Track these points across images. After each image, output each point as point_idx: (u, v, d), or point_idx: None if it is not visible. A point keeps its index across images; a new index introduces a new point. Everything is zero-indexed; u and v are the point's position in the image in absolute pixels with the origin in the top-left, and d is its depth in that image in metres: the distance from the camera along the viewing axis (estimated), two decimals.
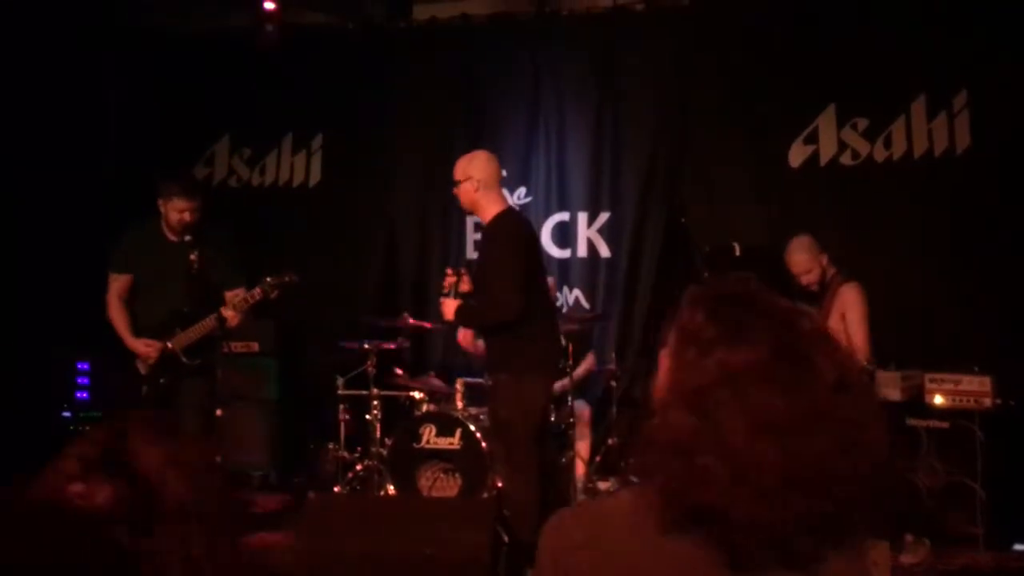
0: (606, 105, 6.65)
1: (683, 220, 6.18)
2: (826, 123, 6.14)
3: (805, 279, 5.29)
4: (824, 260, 5.29)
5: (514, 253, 4.40)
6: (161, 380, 4.87)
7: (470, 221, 6.89)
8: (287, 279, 4.78)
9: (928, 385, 5.26)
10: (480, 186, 4.50)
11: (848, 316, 5.14)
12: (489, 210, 4.54)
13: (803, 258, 5.31)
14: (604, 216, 6.67)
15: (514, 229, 4.52)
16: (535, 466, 4.47)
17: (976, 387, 5.14)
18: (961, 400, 5.17)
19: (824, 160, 6.15)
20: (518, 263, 4.38)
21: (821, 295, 5.25)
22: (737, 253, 5.85)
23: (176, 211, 4.83)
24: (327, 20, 7.11)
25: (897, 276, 5.89)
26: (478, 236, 6.85)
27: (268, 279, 4.76)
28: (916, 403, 5.28)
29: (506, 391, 4.45)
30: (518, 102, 6.87)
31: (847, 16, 6.06)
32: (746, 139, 6.32)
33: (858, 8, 6.07)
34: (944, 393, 5.20)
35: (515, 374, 4.43)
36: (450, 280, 4.62)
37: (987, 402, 5.09)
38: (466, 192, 4.54)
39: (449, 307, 4.56)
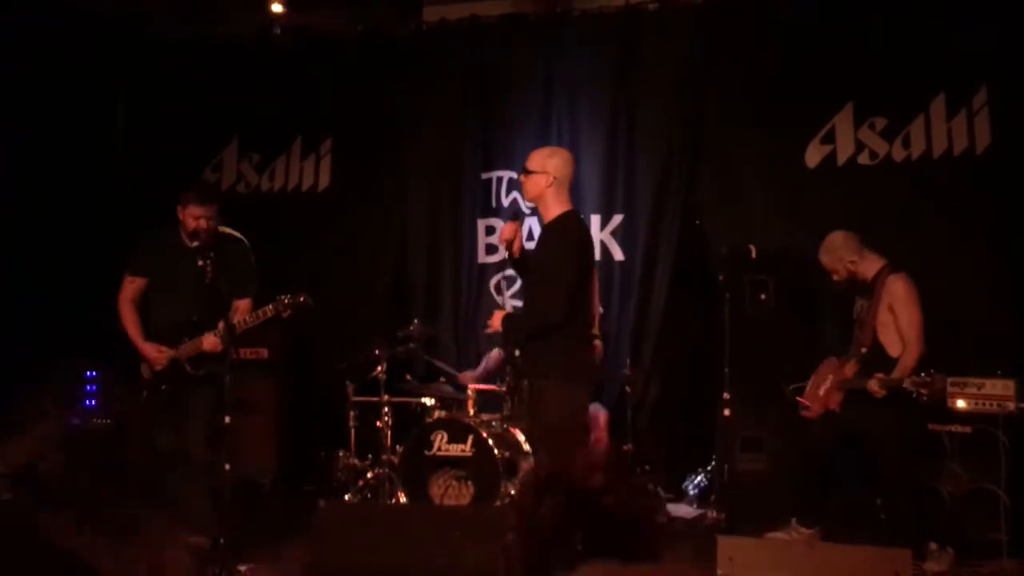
0: (619, 105, 6.57)
1: (698, 222, 6.09)
2: (843, 123, 6.05)
3: (835, 278, 5.22)
4: (854, 257, 5.16)
5: (569, 257, 4.39)
6: (163, 387, 4.83)
7: (481, 225, 6.82)
8: (301, 300, 4.75)
9: (951, 389, 5.18)
10: (553, 183, 4.46)
11: (896, 309, 5.00)
12: (553, 208, 4.50)
13: (825, 259, 5.24)
14: (618, 219, 6.59)
15: (573, 233, 4.49)
16: None
17: (1000, 391, 5.07)
18: (984, 404, 5.09)
19: (841, 160, 6.06)
20: (571, 267, 4.37)
21: (869, 288, 5.12)
22: (753, 255, 5.76)
23: (192, 217, 4.86)
24: (336, 23, 7.05)
25: (917, 278, 5.73)
26: (490, 239, 6.80)
27: (283, 298, 4.74)
28: (939, 408, 5.19)
29: (554, 396, 4.38)
30: (530, 103, 6.80)
31: (864, 14, 5.97)
32: (762, 139, 6.23)
33: (875, 6, 5.97)
34: (967, 397, 5.13)
35: (561, 380, 4.38)
36: (508, 235, 4.58)
37: (1011, 406, 5.03)
38: (536, 184, 4.50)
39: (497, 318, 4.56)
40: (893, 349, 4.99)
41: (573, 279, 4.33)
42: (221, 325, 4.75)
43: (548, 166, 4.47)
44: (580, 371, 4.45)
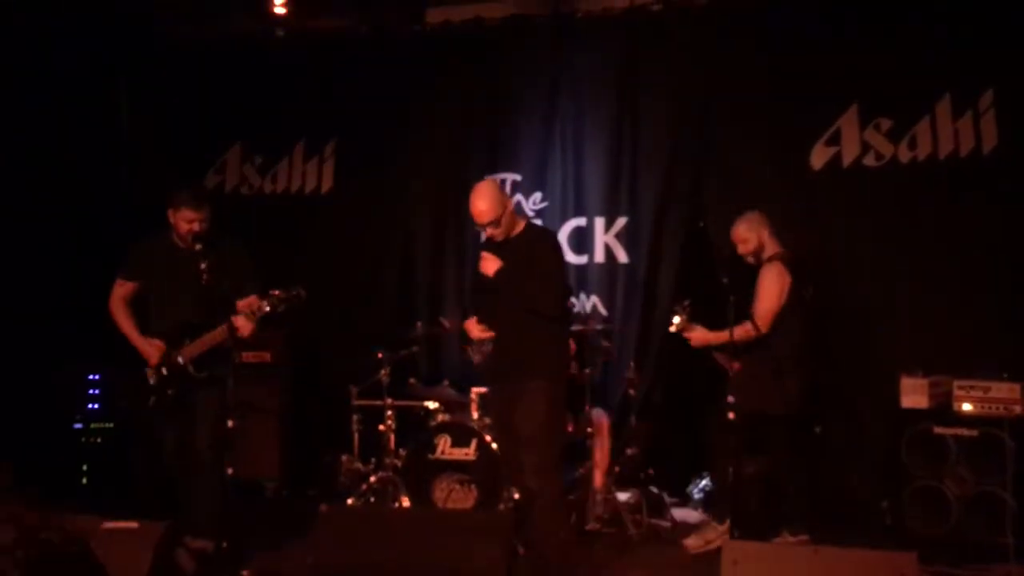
0: (624, 107, 6.56)
1: (702, 224, 6.07)
2: (849, 124, 6.02)
3: (742, 249, 5.41)
4: (766, 232, 5.36)
5: (560, 258, 4.76)
6: (169, 391, 4.82)
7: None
8: (295, 294, 4.71)
9: (956, 392, 5.18)
10: (510, 209, 4.73)
11: (757, 291, 5.23)
12: (518, 223, 4.77)
13: (742, 228, 5.43)
14: (622, 221, 6.57)
15: (554, 237, 4.97)
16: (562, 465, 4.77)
17: (1006, 394, 5.07)
18: (990, 407, 5.08)
19: (847, 161, 6.03)
20: (563, 268, 4.84)
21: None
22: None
23: (185, 221, 4.82)
24: (339, 24, 7.05)
25: (923, 280, 5.78)
26: None
27: (276, 293, 4.69)
28: (944, 410, 5.18)
29: (547, 395, 4.55)
30: (534, 105, 6.79)
31: (869, 15, 5.94)
32: (767, 141, 6.20)
33: (880, 7, 5.94)
34: (973, 400, 5.13)
35: (551, 379, 4.59)
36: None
37: (1017, 409, 5.03)
38: (507, 222, 4.68)
39: (491, 262, 4.63)
40: None
41: (564, 279, 4.62)
42: (243, 303, 4.76)
43: (502, 206, 4.61)
44: (563, 371, 4.75)
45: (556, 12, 6.70)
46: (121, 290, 5.03)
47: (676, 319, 5.14)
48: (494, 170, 6.82)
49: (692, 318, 5.16)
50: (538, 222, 6.37)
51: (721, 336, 5.06)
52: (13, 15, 5.95)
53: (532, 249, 4.65)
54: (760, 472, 5.36)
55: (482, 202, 4.59)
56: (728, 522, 4.95)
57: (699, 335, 5.19)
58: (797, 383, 5.15)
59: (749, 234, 5.37)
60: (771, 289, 5.17)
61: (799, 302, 5.19)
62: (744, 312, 5.10)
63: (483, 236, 4.81)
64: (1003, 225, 5.61)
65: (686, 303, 5.15)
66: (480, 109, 6.91)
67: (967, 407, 5.13)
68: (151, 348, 4.87)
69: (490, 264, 4.60)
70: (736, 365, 5.12)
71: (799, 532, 5.09)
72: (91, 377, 6.39)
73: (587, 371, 5.64)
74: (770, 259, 5.27)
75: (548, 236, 4.87)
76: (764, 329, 5.09)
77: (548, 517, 4.50)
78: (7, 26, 5.95)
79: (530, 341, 4.57)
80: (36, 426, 6.11)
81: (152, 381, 4.86)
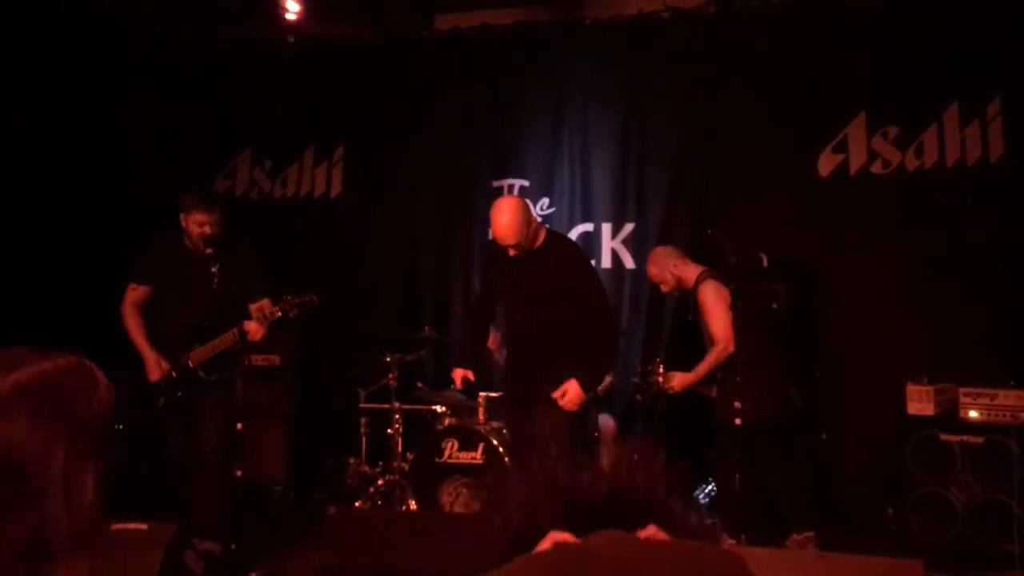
0: (631, 113, 6.57)
1: (710, 231, 6.08)
2: (856, 131, 6.02)
3: (663, 289, 5.54)
4: (676, 262, 5.45)
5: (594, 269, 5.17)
6: (178, 394, 4.85)
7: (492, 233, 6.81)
8: (307, 299, 4.76)
9: (963, 399, 5.17)
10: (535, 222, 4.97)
11: (704, 314, 5.28)
12: (540, 234, 4.92)
13: (653, 271, 5.56)
14: (629, 227, 6.59)
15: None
16: None
17: (1012, 401, 5.06)
18: (997, 415, 5.08)
19: (854, 169, 6.03)
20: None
21: (693, 296, 5.36)
22: (764, 264, 5.74)
23: (197, 224, 4.85)
24: (348, 31, 7.08)
25: (930, 287, 5.77)
26: None
27: (288, 297, 4.74)
28: (950, 418, 5.18)
29: (569, 412, 4.73)
30: (542, 111, 6.81)
31: (877, 22, 5.95)
32: (774, 148, 6.20)
33: (888, 14, 5.95)
34: (979, 407, 5.12)
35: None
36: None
37: (1023, 417, 4.98)
38: (533, 234, 4.83)
39: (574, 391, 4.73)
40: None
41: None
42: (255, 307, 4.79)
43: (526, 225, 4.73)
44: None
45: (564, 19, 6.72)
46: (133, 295, 5.05)
47: (660, 379, 5.28)
48: (502, 176, 6.84)
49: (667, 369, 5.31)
50: (546, 226, 6.39)
51: (699, 372, 5.24)
52: (21, 16, 5.98)
53: (560, 266, 4.82)
54: (761, 479, 5.38)
55: (506, 226, 4.71)
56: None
57: (677, 381, 5.30)
58: (767, 387, 5.16)
59: (662, 274, 5.50)
60: (716, 307, 5.20)
61: (746, 309, 5.15)
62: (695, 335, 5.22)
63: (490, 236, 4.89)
64: (1010, 232, 5.60)
65: (657, 360, 5.33)
66: (488, 115, 6.93)
67: (973, 414, 5.13)
68: (155, 365, 4.89)
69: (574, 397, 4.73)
70: (714, 391, 5.25)
71: (804, 530, 5.12)
72: None
73: None
74: (699, 280, 5.31)
75: (574, 249, 5.11)
76: (731, 347, 5.11)
77: None
78: (14, 28, 5.99)
79: (553, 357, 4.75)
80: None
81: (161, 383, 4.89)
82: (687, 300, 5.41)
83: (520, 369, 4.97)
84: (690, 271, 5.38)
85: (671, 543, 1.23)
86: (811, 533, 5.10)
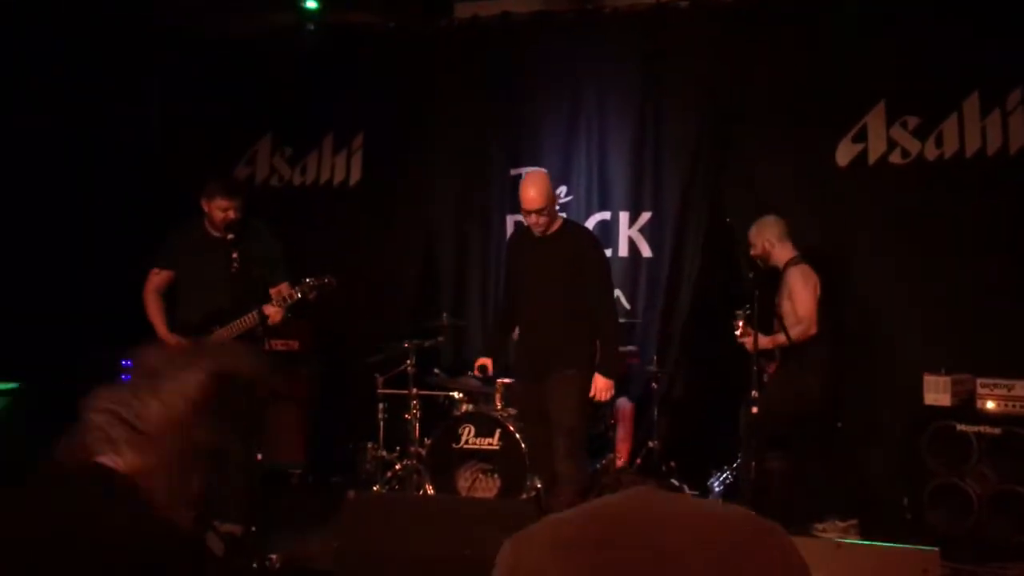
0: (648, 103, 6.57)
1: (728, 220, 6.08)
2: (875, 121, 6.00)
3: (752, 252, 5.60)
4: (772, 240, 5.52)
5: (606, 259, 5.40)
6: None
7: (509, 220, 6.85)
8: (326, 281, 4.81)
9: (980, 390, 5.18)
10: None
11: (792, 297, 5.38)
12: (557, 219, 5.10)
13: (752, 231, 5.63)
14: (646, 216, 6.59)
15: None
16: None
17: None
18: (1014, 406, 5.08)
19: (873, 159, 6.01)
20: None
21: (781, 276, 5.49)
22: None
23: (219, 209, 4.91)
24: (368, 19, 7.11)
25: (948, 278, 5.75)
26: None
27: (308, 280, 4.79)
28: (967, 408, 5.17)
29: (579, 384, 4.92)
30: (559, 100, 6.81)
31: (897, 11, 5.92)
32: (792, 137, 6.19)
33: (908, 3, 5.92)
34: (996, 398, 5.12)
35: (583, 368, 4.94)
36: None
37: None
38: (551, 214, 5.00)
39: (604, 385, 4.98)
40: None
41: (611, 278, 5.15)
42: (275, 290, 4.88)
43: (551, 195, 4.93)
44: (592, 362, 5.02)
45: (583, 7, 6.71)
46: (156, 279, 5.12)
47: (739, 324, 5.21)
48: (518, 164, 6.86)
49: (749, 324, 5.21)
50: (563, 215, 6.43)
51: (776, 340, 5.19)
52: (48, 7, 6.04)
53: (576, 250, 4.99)
54: (785, 467, 5.41)
55: (533, 189, 4.90)
56: None
57: (752, 340, 5.18)
58: (820, 382, 5.23)
59: (755, 239, 5.56)
60: (804, 291, 5.30)
61: (825, 303, 5.26)
62: (767, 310, 5.17)
63: (508, 233, 4.95)
64: None
65: (747, 308, 5.18)
66: (505, 103, 6.94)
67: (990, 405, 5.13)
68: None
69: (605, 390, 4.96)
70: (772, 367, 5.24)
71: (848, 517, 5.24)
72: (124, 363, 6.46)
73: None
74: (791, 262, 5.36)
75: (589, 236, 5.25)
76: (813, 330, 5.25)
77: (574, 502, 4.56)
78: (40, 18, 6.04)
79: (565, 334, 4.91)
80: (69, 411, 6.18)
81: None
82: (763, 273, 5.48)
83: (530, 347, 5.10)
84: (782, 252, 5.50)
85: (701, 503, 1.28)
86: (855, 520, 5.16)
